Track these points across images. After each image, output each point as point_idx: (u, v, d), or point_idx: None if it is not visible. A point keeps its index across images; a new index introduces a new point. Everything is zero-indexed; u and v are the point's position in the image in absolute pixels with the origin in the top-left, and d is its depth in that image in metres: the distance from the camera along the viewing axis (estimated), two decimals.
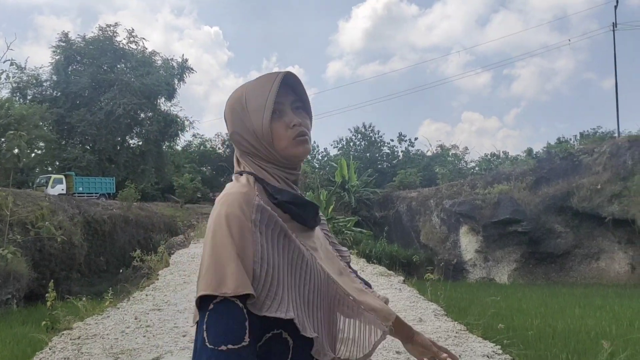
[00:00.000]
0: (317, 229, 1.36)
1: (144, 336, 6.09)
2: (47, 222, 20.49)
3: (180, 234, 25.20)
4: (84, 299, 8.41)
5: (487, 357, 5.22)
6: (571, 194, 24.25)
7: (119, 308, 7.70)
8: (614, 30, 29.09)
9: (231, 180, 1.35)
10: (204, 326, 1.04)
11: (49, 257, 22.57)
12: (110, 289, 8.31)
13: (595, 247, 24.19)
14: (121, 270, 25.14)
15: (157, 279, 10.27)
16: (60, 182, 29.79)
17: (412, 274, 21.47)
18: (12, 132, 21.64)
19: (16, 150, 21.81)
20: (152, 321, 6.84)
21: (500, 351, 5.41)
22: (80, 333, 6.25)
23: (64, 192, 29.35)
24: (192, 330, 5.86)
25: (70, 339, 5.99)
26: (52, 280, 7.68)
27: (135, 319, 6.99)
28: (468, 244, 27.11)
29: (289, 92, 1.34)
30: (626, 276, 23.00)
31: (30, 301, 21.20)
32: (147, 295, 8.66)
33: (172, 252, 22.10)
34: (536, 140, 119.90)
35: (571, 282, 23.62)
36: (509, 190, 26.56)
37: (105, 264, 26.22)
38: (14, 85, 33.30)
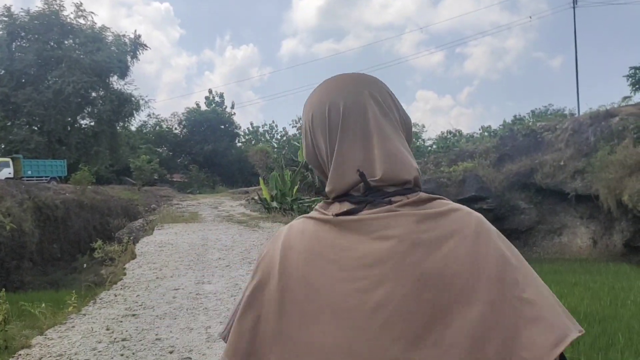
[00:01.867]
0: None
1: (122, 355, 4.90)
2: None
3: (139, 218, 23.59)
4: (43, 305, 7.07)
5: None
6: (534, 170, 24.04)
7: (84, 314, 6.44)
8: (574, 7, 28.83)
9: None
10: None
11: None
12: (74, 292, 6.99)
13: (558, 223, 24.15)
14: (77, 257, 23.50)
15: (125, 274, 8.99)
16: (6, 165, 27.53)
17: None
18: None
19: None
20: (129, 332, 5.64)
21: None
22: (42, 352, 5.01)
23: (11, 176, 27.15)
24: (179, 344, 4.70)
25: None
26: (3, 290, 6.31)
27: (107, 329, 5.78)
28: None
29: None
30: (588, 251, 23.04)
31: None
32: (116, 295, 7.41)
33: (134, 238, 20.63)
34: (488, 119, 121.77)
35: (535, 257, 23.54)
36: (473, 167, 26.15)
37: (60, 252, 24.38)
38: None
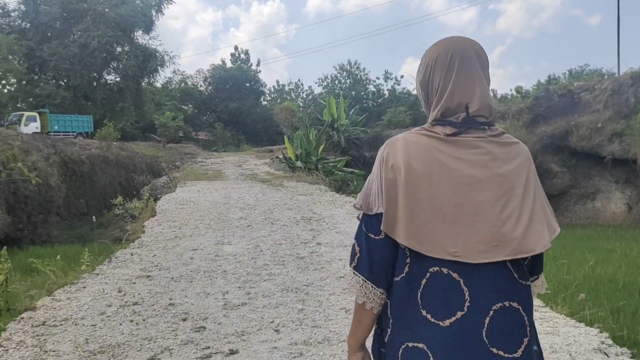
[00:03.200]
0: None
1: (131, 321, 4.50)
2: (19, 163, 18.49)
3: (163, 175, 23.39)
4: (58, 257, 6.75)
5: (600, 352, 3.77)
6: (570, 132, 22.97)
7: (98, 274, 6.07)
8: None
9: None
10: None
11: (24, 200, 20.74)
12: (87, 249, 6.61)
13: (592, 187, 23.22)
14: (103, 212, 23.52)
15: (144, 232, 8.63)
16: (34, 119, 27.46)
17: None
18: None
19: None
20: (141, 295, 5.24)
21: (610, 341, 3.97)
22: (46, 316, 4.64)
23: (38, 130, 27.11)
24: (194, 311, 4.26)
25: (32, 327, 4.38)
26: (5, 248, 5.95)
27: (119, 291, 5.39)
28: None
29: None
30: (622, 216, 22.16)
31: (6, 245, 19.53)
32: (132, 254, 7.04)
33: (156, 195, 20.45)
34: (520, 79, 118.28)
35: (566, 222, 22.74)
36: (505, 129, 24.87)
37: (86, 207, 24.42)
38: None
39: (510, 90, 50.59)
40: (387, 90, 45.08)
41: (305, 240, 7.76)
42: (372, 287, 1.48)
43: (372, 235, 1.48)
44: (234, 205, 11.18)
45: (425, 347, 1.41)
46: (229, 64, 46.37)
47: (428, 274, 1.42)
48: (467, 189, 1.41)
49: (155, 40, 35.38)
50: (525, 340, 1.43)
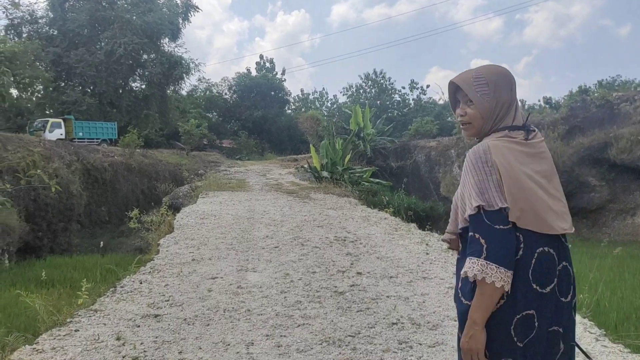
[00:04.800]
0: None
1: None
2: (39, 170, 17.60)
3: (186, 184, 22.39)
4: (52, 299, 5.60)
5: None
6: (608, 145, 21.37)
7: (96, 311, 4.92)
8: None
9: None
10: None
11: (44, 208, 19.86)
12: (84, 282, 5.44)
13: (632, 202, 21.58)
14: (125, 220, 22.58)
15: (158, 252, 7.49)
16: (58, 126, 26.77)
17: (432, 228, 18.37)
18: None
19: None
20: (144, 346, 4.06)
21: None
22: None
23: (63, 137, 26.41)
24: None
25: None
26: None
27: (118, 338, 4.21)
28: None
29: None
30: None
31: (25, 254, 18.66)
32: (141, 282, 5.88)
33: (179, 205, 19.40)
34: (546, 90, 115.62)
35: (604, 238, 21.09)
36: None
37: (107, 215, 23.55)
38: (8, 21, 29.75)
39: (539, 100, 48.83)
40: (413, 99, 43.74)
41: (342, 268, 6.52)
42: (505, 270, 1.76)
43: (501, 227, 1.79)
44: (258, 221, 10.00)
45: (534, 313, 1.81)
46: (254, 73, 45.53)
47: (536, 254, 1.83)
48: (545, 180, 1.89)
49: (181, 47, 34.58)
50: (572, 288, 1.93)
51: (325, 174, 20.23)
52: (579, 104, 25.23)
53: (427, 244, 7.84)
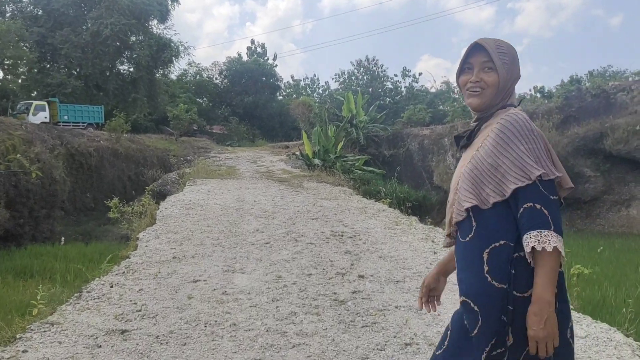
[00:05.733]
0: (468, 150, 1.93)
1: None
2: (19, 155, 16.61)
3: (174, 170, 21.46)
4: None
5: None
6: (604, 135, 20.74)
7: (53, 324, 4.09)
8: None
9: None
10: None
11: (26, 194, 18.82)
12: (40, 288, 4.58)
13: (627, 194, 21.02)
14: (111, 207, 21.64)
15: (136, 248, 6.65)
16: (42, 109, 25.62)
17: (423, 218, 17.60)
18: None
19: None
20: None
21: None
22: None
23: (47, 120, 25.28)
24: None
25: None
26: None
27: None
28: None
29: (483, 53, 1.88)
30: None
31: (6, 242, 17.71)
32: (111, 287, 5.04)
33: (165, 192, 18.48)
34: (537, 80, 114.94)
35: (598, 230, 20.62)
36: None
37: (93, 202, 22.56)
38: None
39: (530, 90, 48.14)
40: (405, 87, 42.89)
41: (341, 269, 5.72)
42: (561, 240, 1.66)
43: (554, 197, 1.70)
44: (248, 212, 9.18)
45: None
46: (245, 58, 44.34)
47: None
48: None
49: (170, 30, 33.38)
50: None
51: (317, 161, 19.44)
52: (574, 94, 24.55)
53: (432, 241, 7.07)
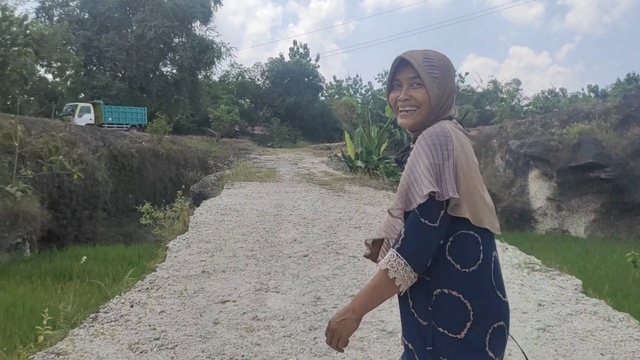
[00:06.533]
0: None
1: None
2: (60, 156, 16.58)
3: (215, 172, 21.16)
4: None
5: None
6: None
7: (58, 354, 3.56)
8: None
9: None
10: None
11: (69, 195, 18.88)
12: (45, 314, 4.07)
13: None
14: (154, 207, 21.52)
15: (164, 260, 6.13)
16: (87, 110, 25.86)
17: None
18: (16, 48, 17.34)
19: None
20: None
21: None
22: None
23: (92, 122, 25.49)
24: None
25: None
26: None
27: None
28: (538, 190, 22.62)
29: (410, 69, 1.69)
30: None
31: (49, 242, 17.77)
32: (131, 307, 4.51)
33: (205, 194, 18.16)
34: (588, 79, 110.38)
35: None
36: (590, 130, 21.51)
37: (135, 203, 22.55)
38: (39, 4, 28.94)
39: (582, 89, 46.08)
40: None
41: None
42: (411, 271, 1.52)
43: (426, 221, 1.52)
44: (286, 219, 8.57)
45: (504, 324, 1.60)
46: (287, 59, 44.00)
47: (493, 258, 1.61)
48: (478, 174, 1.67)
49: (212, 31, 33.31)
50: None
51: (359, 163, 18.73)
52: (633, 92, 23.00)
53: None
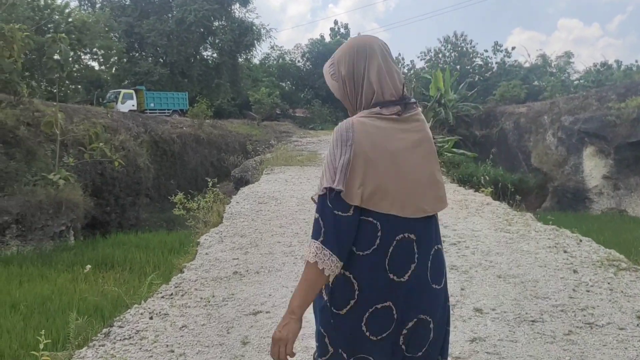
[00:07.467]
0: None
1: None
2: (101, 143, 16.31)
3: (255, 156, 20.61)
4: None
5: None
6: None
7: None
8: None
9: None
10: None
11: (111, 182, 18.73)
12: (41, 335, 3.47)
13: None
14: (194, 194, 21.25)
15: (193, 259, 5.49)
16: (130, 97, 25.73)
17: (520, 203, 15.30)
18: (50, 35, 17.08)
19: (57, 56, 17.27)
20: None
21: None
22: None
23: (135, 108, 25.36)
24: None
25: None
26: None
27: None
28: (594, 168, 21.16)
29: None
30: None
31: (94, 229, 17.68)
32: (150, 319, 3.88)
33: (246, 178, 17.60)
34: None
35: None
36: None
37: (177, 188, 22.30)
38: None
39: (636, 61, 43.13)
40: (496, 63, 39.68)
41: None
42: (337, 260, 1.55)
43: (337, 211, 1.55)
44: None
45: (391, 304, 1.61)
46: (327, 39, 42.89)
47: (395, 242, 1.60)
48: (412, 160, 1.64)
49: (252, 13, 32.52)
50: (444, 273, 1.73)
51: None
52: None
53: (565, 251, 5.31)
